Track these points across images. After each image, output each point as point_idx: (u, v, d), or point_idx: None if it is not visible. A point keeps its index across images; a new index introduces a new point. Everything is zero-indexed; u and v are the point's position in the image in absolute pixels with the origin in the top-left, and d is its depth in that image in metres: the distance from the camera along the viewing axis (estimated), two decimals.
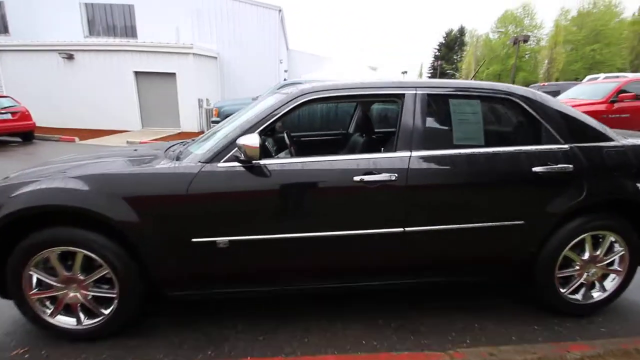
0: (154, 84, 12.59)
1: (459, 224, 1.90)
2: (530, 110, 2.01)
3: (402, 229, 1.87)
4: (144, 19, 15.50)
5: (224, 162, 1.77)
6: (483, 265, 2.08)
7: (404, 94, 1.94)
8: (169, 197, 1.71)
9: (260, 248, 1.81)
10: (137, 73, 12.36)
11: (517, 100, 2.01)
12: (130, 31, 16.03)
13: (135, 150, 2.37)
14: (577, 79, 21.92)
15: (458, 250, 1.99)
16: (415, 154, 1.87)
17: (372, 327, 2.09)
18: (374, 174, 1.81)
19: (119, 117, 12.43)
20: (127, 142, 9.70)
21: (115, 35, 16.06)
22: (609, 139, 2.08)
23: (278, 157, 2.07)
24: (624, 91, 7.24)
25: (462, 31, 46.54)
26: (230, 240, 1.76)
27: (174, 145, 2.35)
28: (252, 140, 1.65)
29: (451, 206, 1.91)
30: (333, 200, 1.83)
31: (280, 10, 15.67)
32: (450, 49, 47.90)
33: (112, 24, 16.28)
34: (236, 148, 1.76)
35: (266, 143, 2.61)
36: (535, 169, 1.92)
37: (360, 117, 3.07)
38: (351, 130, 3.52)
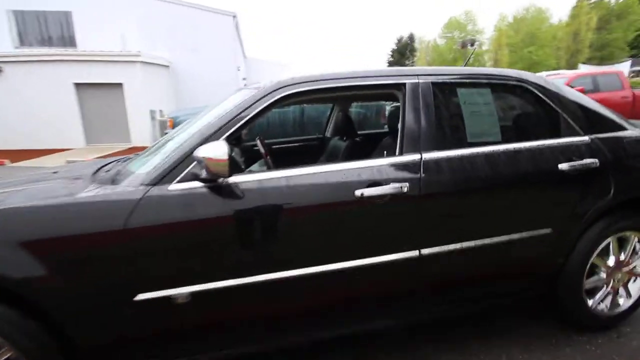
0: (99, 96, 11.49)
1: (479, 240, 1.55)
2: (546, 99, 1.72)
3: (416, 252, 1.48)
4: (84, 27, 14.17)
5: (178, 182, 1.28)
6: (506, 284, 1.75)
7: (404, 84, 1.57)
8: (98, 236, 1.19)
9: (236, 296, 1.33)
10: (77, 85, 11.19)
11: (531, 88, 1.72)
12: (68, 41, 14.58)
13: (55, 172, 1.78)
14: None
15: (478, 272, 1.64)
16: (426, 156, 1.50)
17: None
18: (380, 185, 1.41)
19: (59, 134, 11.13)
20: (67, 161, 8.59)
21: (51, 45, 14.53)
22: (624, 128, 1.86)
23: (252, 172, 1.60)
24: (572, 86, 7.62)
25: (411, 37, 48.42)
26: (193, 293, 1.27)
27: (109, 163, 1.78)
28: (218, 150, 1.18)
29: (472, 218, 1.56)
30: (330, 223, 1.40)
31: (234, 17, 15.12)
32: (402, 54, 49.60)
33: (46, 34, 14.74)
34: (195, 162, 1.28)
35: (233, 154, 2.13)
36: (561, 166, 1.62)
37: (340, 119, 2.68)
38: (329, 133, 3.12)
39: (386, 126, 7.63)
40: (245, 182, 1.32)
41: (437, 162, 1.49)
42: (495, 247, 1.58)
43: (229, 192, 1.29)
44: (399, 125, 1.56)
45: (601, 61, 25.54)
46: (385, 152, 1.63)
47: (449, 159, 1.51)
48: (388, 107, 8.30)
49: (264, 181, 1.34)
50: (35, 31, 14.58)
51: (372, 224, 1.43)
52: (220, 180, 1.27)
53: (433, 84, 1.60)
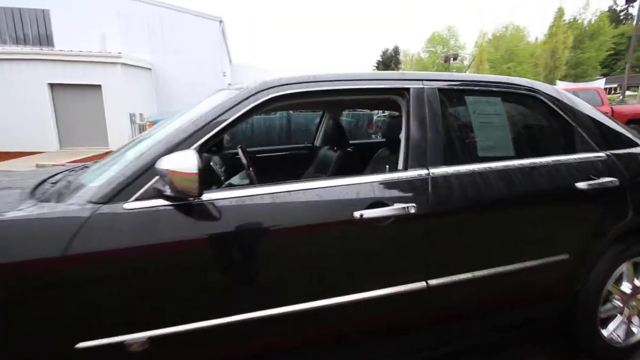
0: (75, 97, 10.98)
1: (493, 268, 1.36)
2: (559, 111, 1.57)
3: (423, 283, 1.27)
4: (62, 26, 13.61)
5: (137, 200, 1.03)
6: (516, 315, 1.56)
7: (408, 89, 1.38)
8: (28, 266, 0.93)
9: (209, 340, 1.09)
10: (52, 85, 10.65)
11: (543, 99, 1.57)
12: (45, 40, 13.96)
13: None
14: None
15: (489, 303, 1.45)
16: (434, 172, 1.30)
17: None
18: (383, 205, 1.20)
19: (30, 136, 10.51)
20: (37, 165, 8.06)
21: (27, 44, 13.87)
22: (637, 144, 1.73)
23: (232, 185, 1.36)
24: None
25: (396, 50, 49.35)
26: (153, 338, 1.01)
27: (58, 173, 1.50)
28: (186, 161, 0.94)
29: (486, 243, 1.37)
30: (324, 250, 1.18)
31: (221, 22, 14.88)
32: (387, 66, 50.39)
33: (22, 32, 14.07)
34: (158, 177, 1.04)
35: (211, 163, 1.88)
36: (579, 184, 1.46)
37: (331, 127, 2.48)
38: (318, 142, 2.91)
39: (374, 135, 7.57)
40: (223, 200, 1.08)
41: (446, 178, 1.30)
42: (509, 275, 1.40)
43: (202, 212, 1.05)
44: (402, 136, 1.36)
45: (576, 79, 26.69)
46: (382, 165, 1.43)
47: (459, 176, 1.32)
48: (375, 116, 8.24)
49: (246, 199, 1.11)
50: (9, 29, 13.91)
51: (373, 251, 1.22)
52: (192, 198, 1.03)
53: (440, 90, 1.42)
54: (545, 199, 1.43)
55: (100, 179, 1.11)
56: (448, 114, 1.42)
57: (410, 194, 1.24)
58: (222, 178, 1.85)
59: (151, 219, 1.01)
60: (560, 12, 26.91)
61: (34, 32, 14.03)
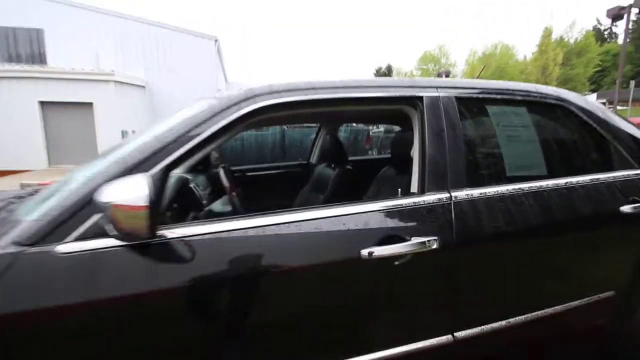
0: (66, 115, 10.82)
1: (531, 312, 1.11)
2: (592, 123, 1.37)
3: (449, 337, 1.02)
4: (56, 44, 13.58)
5: (75, 240, 0.78)
6: None
7: (421, 98, 1.17)
8: None
9: None
10: (43, 103, 10.47)
11: (574, 109, 1.36)
12: (38, 58, 13.90)
13: None
14: None
15: (522, 352, 1.19)
16: (457, 195, 1.07)
17: None
18: (397, 239, 0.96)
19: (19, 154, 10.25)
20: (22, 184, 7.72)
21: (19, 62, 13.77)
22: None
23: (212, 212, 1.12)
24: None
25: (389, 69, 50.30)
26: None
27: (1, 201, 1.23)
28: (132, 191, 0.70)
29: (521, 282, 1.12)
30: (323, 298, 0.93)
31: (216, 40, 14.96)
32: None
33: (15, 51, 14.01)
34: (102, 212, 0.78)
35: (192, 185, 1.64)
36: (624, 208, 1.24)
37: (328, 142, 2.25)
38: (314, 159, 2.69)
39: (370, 152, 7.37)
40: (192, 238, 0.83)
41: (472, 203, 1.07)
42: (547, 320, 1.15)
43: (161, 255, 0.80)
44: (416, 153, 1.14)
45: None
46: (387, 186, 1.20)
47: (487, 200, 1.09)
48: (370, 132, 8.09)
49: (222, 236, 0.86)
50: (2, 48, 13.85)
51: (385, 298, 0.97)
52: (145, 238, 0.78)
53: (457, 99, 1.20)
54: (586, 226, 1.20)
55: (35, 212, 0.86)
56: (468, 126, 1.21)
57: (430, 224, 1.00)
58: (204, 202, 1.60)
59: (92, 266, 0.76)
60: (548, 31, 27.69)
61: (27, 51, 13.97)
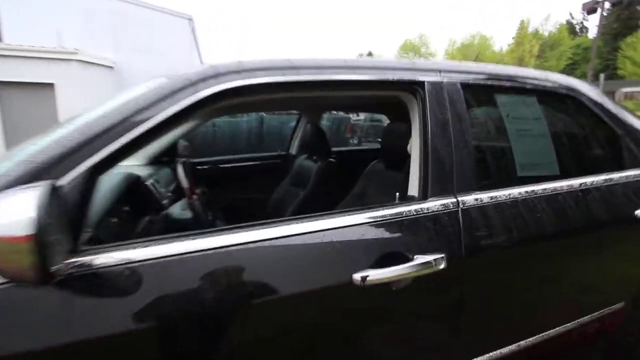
0: (24, 97, 9.98)
1: (546, 331, 0.98)
2: (604, 117, 1.23)
3: None
4: (13, 20, 12.41)
5: None
6: None
7: (422, 83, 0.98)
8: None
9: None
10: None
11: (584, 101, 1.21)
12: None
13: None
14: None
15: None
16: (465, 200, 0.90)
17: None
18: (395, 260, 0.78)
19: None
20: None
21: None
22: None
23: (169, 216, 0.90)
24: None
25: (370, 55, 50.10)
26: None
27: None
28: (8, 214, 0.47)
29: (538, 299, 0.98)
30: (305, 335, 0.74)
31: (190, 20, 14.18)
32: None
33: None
34: None
35: (149, 182, 1.38)
36: (638, 212, 1.12)
37: (309, 132, 2.04)
38: (294, 150, 2.47)
39: (351, 141, 7.19)
40: (127, 265, 0.62)
41: (482, 210, 0.90)
42: (559, 338, 1.02)
43: (80, 291, 0.58)
44: (415, 149, 0.96)
45: None
46: (377, 183, 1.03)
47: (498, 205, 0.93)
48: (352, 120, 7.89)
49: (171, 264, 0.64)
50: None
51: (382, 331, 0.80)
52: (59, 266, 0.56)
53: (463, 85, 1.02)
54: (602, 232, 1.07)
55: None
56: (475, 117, 1.04)
57: (435, 238, 0.83)
58: (165, 202, 1.36)
59: None
60: (524, 24, 28.23)
61: None
